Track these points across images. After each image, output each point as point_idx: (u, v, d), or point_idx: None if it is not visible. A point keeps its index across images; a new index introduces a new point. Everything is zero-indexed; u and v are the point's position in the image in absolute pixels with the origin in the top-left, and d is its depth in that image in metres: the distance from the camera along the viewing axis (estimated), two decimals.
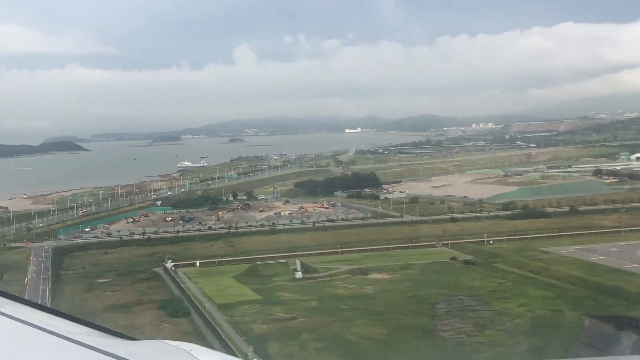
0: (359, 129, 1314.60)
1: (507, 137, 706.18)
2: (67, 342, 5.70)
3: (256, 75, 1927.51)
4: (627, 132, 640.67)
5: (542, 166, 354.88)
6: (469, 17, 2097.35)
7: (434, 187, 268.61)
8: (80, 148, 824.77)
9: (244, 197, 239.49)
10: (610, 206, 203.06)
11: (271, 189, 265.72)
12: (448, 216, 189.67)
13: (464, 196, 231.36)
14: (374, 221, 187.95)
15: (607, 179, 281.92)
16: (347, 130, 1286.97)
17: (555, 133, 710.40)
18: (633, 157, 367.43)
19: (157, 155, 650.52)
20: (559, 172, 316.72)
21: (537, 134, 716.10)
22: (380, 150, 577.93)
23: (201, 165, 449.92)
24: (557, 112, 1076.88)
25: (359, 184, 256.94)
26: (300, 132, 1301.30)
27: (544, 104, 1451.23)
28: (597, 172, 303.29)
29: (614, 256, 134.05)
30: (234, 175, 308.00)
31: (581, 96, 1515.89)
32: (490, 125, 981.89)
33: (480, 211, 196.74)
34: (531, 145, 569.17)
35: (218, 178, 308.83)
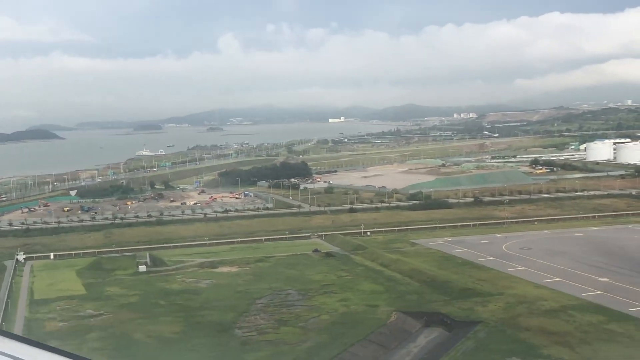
0: (342, 119, 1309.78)
1: (480, 126, 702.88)
2: None
3: (241, 64, 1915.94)
4: (595, 122, 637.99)
5: (487, 156, 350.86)
6: (456, 6, 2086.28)
7: (364, 177, 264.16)
8: (56, 136, 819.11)
9: (162, 187, 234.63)
10: (519, 197, 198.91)
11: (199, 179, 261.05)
12: (348, 207, 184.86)
13: (382, 186, 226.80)
14: (272, 212, 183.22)
15: (540, 169, 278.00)
16: (330, 120, 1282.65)
17: (525, 123, 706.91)
18: (582, 147, 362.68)
19: (128, 144, 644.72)
20: (497, 162, 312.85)
21: (508, 124, 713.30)
22: (346, 140, 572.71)
23: (158, 153, 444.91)
24: (543, 102, 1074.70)
25: (287, 173, 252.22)
26: (286, 121, 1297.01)
27: (530, 94, 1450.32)
28: (534, 162, 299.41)
29: (477, 249, 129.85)
30: (167, 164, 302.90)
31: (567, 86, 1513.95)
32: (472, 115, 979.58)
33: (382, 202, 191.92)
34: (495, 135, 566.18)
35: (158, 167, 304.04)
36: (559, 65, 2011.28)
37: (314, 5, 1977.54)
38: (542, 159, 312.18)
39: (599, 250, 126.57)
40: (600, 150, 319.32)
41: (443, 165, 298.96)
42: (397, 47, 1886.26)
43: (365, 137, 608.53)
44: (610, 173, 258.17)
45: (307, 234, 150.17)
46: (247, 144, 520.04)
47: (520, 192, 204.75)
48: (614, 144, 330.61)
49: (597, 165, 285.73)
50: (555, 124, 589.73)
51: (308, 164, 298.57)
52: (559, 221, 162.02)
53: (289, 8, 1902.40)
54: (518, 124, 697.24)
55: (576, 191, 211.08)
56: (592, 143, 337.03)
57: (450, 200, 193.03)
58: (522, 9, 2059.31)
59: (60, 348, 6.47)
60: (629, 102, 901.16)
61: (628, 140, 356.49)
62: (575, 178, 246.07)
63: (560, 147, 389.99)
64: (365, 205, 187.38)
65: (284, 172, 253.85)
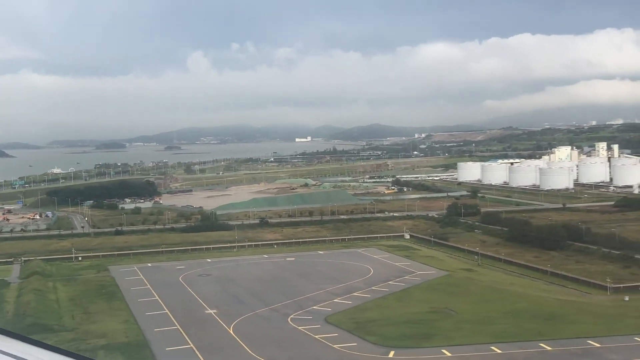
0: (309, 138, 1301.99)
1: (416, 146, 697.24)
2: None
3: (212, 83, 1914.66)
4: (525, 142, 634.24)
5: (367, 177, 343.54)
6: (428, 27, 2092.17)
7: (209, 197, 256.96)
8: (5, 155, 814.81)
9: None
10: (318, 218, 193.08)
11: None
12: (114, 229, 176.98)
13: (200, 207, 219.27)
14: (46, 233, 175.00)
15: (391, 189, 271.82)
16: (297, 140, 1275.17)
17: (462, 143, 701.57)
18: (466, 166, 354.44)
19: (69, 163, 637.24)
20: (368, 182, 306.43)
21: (445, 144, 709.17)
22: (271, 159, 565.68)
23: (68, 171, 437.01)
24: (513, 122, 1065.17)
25: (123, 193, 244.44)
26: (256, 140, 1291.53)
27: (500, 114, 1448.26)
28: (395, 182, 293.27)
29: (151, 276, 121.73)
30: (20, 182, 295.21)
31: (537, 107, 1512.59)
32: (423, 135, 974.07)
33: (163, 224, 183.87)
34: (414, 153, 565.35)
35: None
36: (530, 87, 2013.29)
37: (282, 24, 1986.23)
38: (407, 178, 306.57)
39: (272, 278, 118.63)
40: (470, 171, 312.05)
41: (306, 185, 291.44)
42: (368, 66, 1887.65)
43: (299, 156, 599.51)
44: (450, 194, 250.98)
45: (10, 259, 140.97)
46: (166, 161, 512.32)
47: (333, 213, 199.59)
48: (511, 164, 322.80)
49: (447, 186, 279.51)
50: (490, 145, 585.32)
51: (177, 183, 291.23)
52: (301, 245, 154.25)
53: (260, 27, 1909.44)
54: (452, 144, 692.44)
55: (384, 212, 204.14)
56: (466, 164, 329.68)
57: (244, 222, 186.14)
58: (493, 31, 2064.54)
59: (59, 347, 6.34)
60: (593, 123, 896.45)
61: (518, 161, 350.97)
62: (412, 198, 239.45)
63: (453, 166, 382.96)
64: (136, 227, 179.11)
65: (120, 191, 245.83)
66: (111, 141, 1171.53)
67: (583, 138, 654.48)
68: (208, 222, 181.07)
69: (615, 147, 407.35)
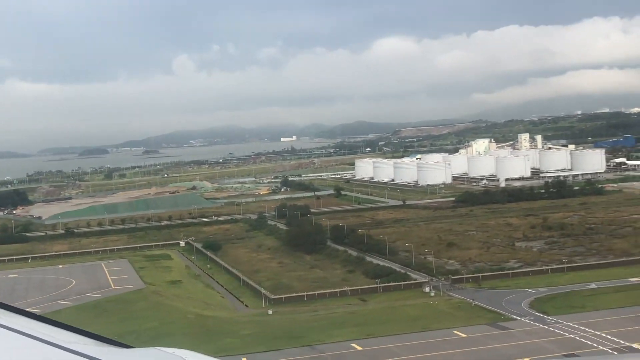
0: (294, 137, 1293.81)
1: (380, 143, 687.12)
2: (63, 351, 5.64)
3: (198, 85, 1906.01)
4: (481, 135, 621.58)
5: (272, 176, 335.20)
6: (412, 22, 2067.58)
7: (77, 205, 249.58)
8: None
9: None
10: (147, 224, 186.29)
11: None
12: None
13: (39, 216, 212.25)
14: None
15: (270, 189, 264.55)
16: (282, 139, 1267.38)
17: (422, 138, 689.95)
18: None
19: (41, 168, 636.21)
20: (248, 184, 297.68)
21: (409, 140, 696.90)
22: (221, 160, 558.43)
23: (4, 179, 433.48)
24: (502, 115, 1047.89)
25: None
26: (245, 141, 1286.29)
27: (490, 107, 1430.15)
28: (283, 182, 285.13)
29: None
30: None
31: (525, 99, 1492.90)
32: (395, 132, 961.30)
33: None
34: (367, 149, 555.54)
35: None
36: (519, 78, 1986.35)
37: (267, 23, 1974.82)
38: (305, 178, 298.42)
39: None
40: (365, 168, 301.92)
41: (193, 188, 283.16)
42: (353, 63, 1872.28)
43: (233, 158, 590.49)
44: (317, 193, 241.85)
45: None
46: (107, 166, 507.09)
47: (170, 218, 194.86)
48: (418, 159, 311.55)
49: (334, 184, 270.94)
50: (447, 138, 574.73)
51: (75, 191, 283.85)
52: (76, 256, 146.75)
53: (242, 28, 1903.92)
54: (416, 139, 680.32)
55: (211, 216, 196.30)
56: (362, 160, 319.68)
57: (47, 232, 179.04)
58: (480, 23, 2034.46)
59: (60, 321, 6.31)
60: (578, 113, 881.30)
61: (419, 156, 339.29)
62: (276, 199, 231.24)
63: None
64: None
65: None
66: (96, 147, 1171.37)
67: (540, 129, 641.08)
68: (5, 234, 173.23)
69: (539, 137, 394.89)
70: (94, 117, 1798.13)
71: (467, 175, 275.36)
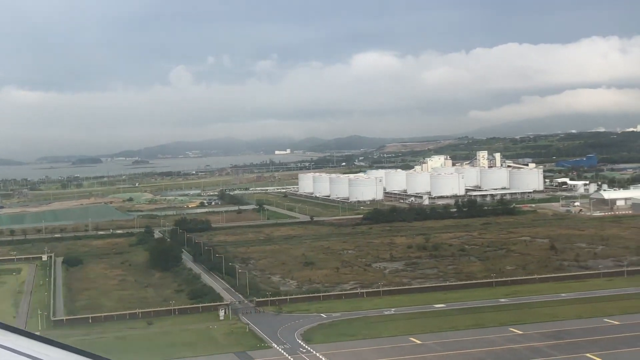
0: (288, 150, 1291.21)
1: (360, 158, 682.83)
2: None
3: (196, 96, 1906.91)
4: (459, 152, 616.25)
5: (223, 188, 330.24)
6: (414, 38, 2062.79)
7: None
8: None
9: None
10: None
11: None
12: None
13: None
14: None
15: (212, 203, 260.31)
16: (277, 152, 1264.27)
17: (404, 154, 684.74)
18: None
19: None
20: (190, 196, 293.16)
21: (394, 155, 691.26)
22: (194, 172, 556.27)
23: None
24: (497, 132, 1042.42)
25: None
26: (241, 153, 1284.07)
27: (485, 125, 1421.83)
28: (220, 196, 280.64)
29: None
30: None
31: (523, 117, 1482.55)
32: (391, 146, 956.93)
33: None
34: (342, 164, 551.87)
35: None
36: (513, 96, 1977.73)
37: (263, 36, 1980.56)
38: (250, 191, 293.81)
39: None
40: (307, 182, 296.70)
41: (130, 199, 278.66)
42: (355, 79, 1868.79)
43: (205, 171, 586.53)
44: (241, 207, 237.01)
45: None
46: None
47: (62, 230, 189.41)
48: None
49: (263, 199, 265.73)
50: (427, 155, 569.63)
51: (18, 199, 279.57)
52: None
53: (243, 40, 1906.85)
54: (400, 155, 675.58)
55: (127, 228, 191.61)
56: (306, 175, 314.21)
57: None
58: (479, 42, 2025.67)
59: (62, 342, 6.11)
60: (574, 131, 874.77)
61: (383, 172, 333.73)
62: (196, 212, 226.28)
63: None
64: None
65: None
66: (90, 157, 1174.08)
67: (519, 147, 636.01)
68: None
69: (497, 155, 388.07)
70: (91, 126, 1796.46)
71: (406, 192, 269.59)
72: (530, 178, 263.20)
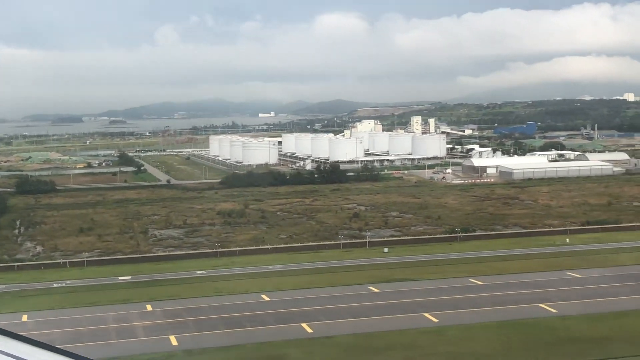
0: (272, 113, 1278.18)
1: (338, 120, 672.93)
2: None
3: (183, 57, 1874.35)
4: (425, 117, 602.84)
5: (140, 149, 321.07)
6: (404, 3, 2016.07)
7: None
8: None
9: None
10: None
11: None
12: None
13: None
14: None
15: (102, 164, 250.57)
16: (260, 115, 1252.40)
17: (373, 118, 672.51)
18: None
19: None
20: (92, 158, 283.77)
21: (360, 119, 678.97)
22: (148, 133, 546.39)
23: None
24: (486, 98, 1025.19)
25: None
26: (229, 115, 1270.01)
27: (475, 91, 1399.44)
28: (121, 156, 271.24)
29: None
30: None
31: (512, 84, 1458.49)
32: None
33: None
34: (307, 127, 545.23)
35: None
36: (503, 63, 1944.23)
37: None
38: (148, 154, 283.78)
39: None
40: (215, 145, 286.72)
41: (29, 159, 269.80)
42: (344, 41, 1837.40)
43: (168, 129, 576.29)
44: (122, 169, 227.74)
45: None
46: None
47: None
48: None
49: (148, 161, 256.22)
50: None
51: None
52: None
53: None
54: (358, 119, 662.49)
55: None
56: (217, 137, 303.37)
57: None
58: (469, 5, 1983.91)
59: (59, 347, 6.13)
60: (558, 98, 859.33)
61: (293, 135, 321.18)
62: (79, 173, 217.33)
63: None
64: None
65: None
66: (75, 116, 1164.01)
67: (480, 114, 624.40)
68: None
69: (432, 121, 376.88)
70: (76, 85, 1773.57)
71: (310, 156, 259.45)
72: (430, 144, 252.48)
